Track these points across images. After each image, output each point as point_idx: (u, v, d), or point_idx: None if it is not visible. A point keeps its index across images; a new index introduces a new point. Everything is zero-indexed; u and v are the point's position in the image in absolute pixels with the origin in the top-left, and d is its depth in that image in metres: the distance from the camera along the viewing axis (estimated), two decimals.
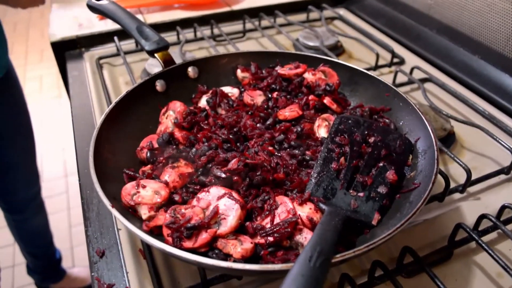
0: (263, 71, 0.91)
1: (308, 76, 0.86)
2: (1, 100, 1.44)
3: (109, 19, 0.95)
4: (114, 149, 0.73)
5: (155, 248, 0.69)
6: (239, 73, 0.92)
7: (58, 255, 2.05)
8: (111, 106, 0.76)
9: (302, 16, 1.46)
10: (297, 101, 0.84)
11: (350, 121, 0.75)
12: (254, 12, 1.39)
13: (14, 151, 1.57)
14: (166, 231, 0.60)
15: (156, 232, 0.63)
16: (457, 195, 0.81)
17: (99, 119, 0.98)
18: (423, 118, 0.73)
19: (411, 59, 1.21)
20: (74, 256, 2.34)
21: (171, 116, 0.81)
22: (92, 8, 0.99)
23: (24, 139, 1.63)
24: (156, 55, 0.87)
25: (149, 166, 0.74)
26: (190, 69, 0.90)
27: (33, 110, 1.68)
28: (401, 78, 1.10)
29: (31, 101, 3.42)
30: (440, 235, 0.73)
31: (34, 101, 3.47)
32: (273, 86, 0.88)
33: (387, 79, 1.00)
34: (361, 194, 0.66)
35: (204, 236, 0.59)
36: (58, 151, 2.98)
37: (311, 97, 0.83)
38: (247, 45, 1.31)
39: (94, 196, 0.79)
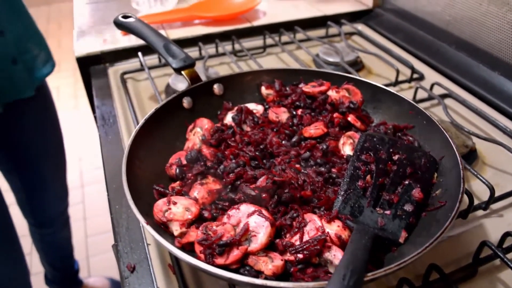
0: (287, 88, 0.93)
1: (332, 94, 0.87)
2: (36, 117, 1.45)
3: (136, 36, 0.97)
4: (144, 166, 0.75)
5: (185, 263, 0.71)
6: (264, 90, 0.93)
7: (77, 266, 2.07)
8: (141, 123, 0.78)
9: (321, 32, 1.47)
10: (321, 118, 0.86)
11: (375, 139, 0.76)
12: (274, 28, 1.41)
13: (46, 168, 1.59)
14: (198, 248, 0.62)
15: (187, 248, 0.65)
16: (480, 212, 0.81)
17: (125, 134, 1.01)
18: (448, 137, 0.74)
19: (430, 75, 1.22)
20: (90, 266, 2.36)
21: (198, 133, 0.83)
22: (119, 25, 1.01)
23: (56, 156, 1.65)
24: (183, 72, 0.89)
25: (178, 182, 0.75)
26: (215, 86, 0.92)
27: None
28: (421, 94, 1.11)
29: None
30: (464, 252, 0.74)
31: None
32: (298, 103, 0.90)
33: (407, 94, 1.01)
34: (387, 212, 0.67)
35: (235, 253, 0.60)
36: (75, 161, 3.02)
37: (335, 114, 0.85)
38: (267, 60, 1.33)
39: (123, 211, 0.81)
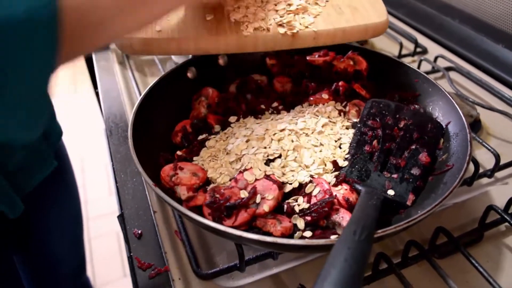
0: (292, 58, 0.92)
1: (337, 63, 0.87)
2: (56, 195, 1.21)
3: None
4: (149, 134, 0.75)
5: (191, 229, 0.72)
6: (268, 60, 0.92)
7: None
8: (146, 91, 0.77)
9: None
10: (326, 87, 0.85)
11: (381, 105, 0.76)
12: None
13: (61, 246, 1.33)
14: (206, 211, 0.62)
15: (195, 212, 0.65)
16: (485, 180, 0.82)
17: (128, 107, 1.00)
18: (454, 102, 0.74)
19: (434, 49, 1.21)
20: (92, 248, 2.37)
21: (203, 101, 0.82)
22: None
23: (73, 231, 1.38)
24: None
25: (184, 150, 0.75)
26: (220, 56, 0.91)
27: None
28: (425, 67, 1.10)
29: None
30: (469, 218, 0.74)
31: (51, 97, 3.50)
32: (302, 73, 0.89)
33: None
34: (394, 175, 0.67)
35: (243, 215, 0.60)
36: (74, 145, 3.00)
37: (341, 83, 0.84)
38: None
39: (128, 179, 0.81)
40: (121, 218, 0.76)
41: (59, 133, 1.10)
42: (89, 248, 2.36)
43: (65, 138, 1.17)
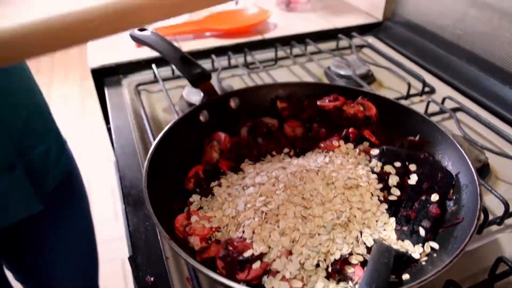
0: (303, 102, 0.94)
1: (347, 109, 0.88)
2: (63, 212, 1.19)
3: (152, 49, 0.98)
4: (162, 181, 0.75)
5: (203, 277, 0.72)
6: (279, 104, 0.94)
7: None
8: (160, 136, 0.78)
9: (332, 44, 1.48)
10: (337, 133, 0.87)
11: (391, 153, 0.77)
12: (286, 40, 1.42)
13: (70, 272, 1.30)
14: (220, 264, 0.62)
15: (207, 262, 0.65)
16: (494, 227, 0.82)
17: (140, 145, 1.02)
18: (463, 153, 0.74)
19: (441, 89, 1.23)
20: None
21: (215, 146, 0.84)
22: (135, 38, 1.02)
23: (85, 256, 1.37)
24: (199, 86, 0.90)
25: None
26: (231, 99, 0.93)
27: None
28: (433, 108, 1.11)
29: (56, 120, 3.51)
30: (480, 268, 0.74)
31: (59, 121, 3.54)
32: (313, 117, 0.90)
33: (419, 108, 1.02)
34: (405, 228, 0.68)
35: (256, 269, 0.61)
36: (82, 171, 3.01)
37: (351, 129, 0.85)
38: (279, 73, 1.34)
39: (140, 223, 0.81)
40: (133, 261, 0.77)
41: (56, 177, 1.09)
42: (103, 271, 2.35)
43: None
